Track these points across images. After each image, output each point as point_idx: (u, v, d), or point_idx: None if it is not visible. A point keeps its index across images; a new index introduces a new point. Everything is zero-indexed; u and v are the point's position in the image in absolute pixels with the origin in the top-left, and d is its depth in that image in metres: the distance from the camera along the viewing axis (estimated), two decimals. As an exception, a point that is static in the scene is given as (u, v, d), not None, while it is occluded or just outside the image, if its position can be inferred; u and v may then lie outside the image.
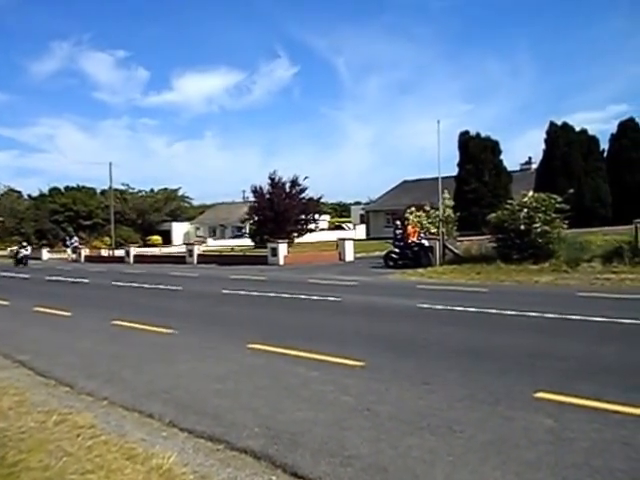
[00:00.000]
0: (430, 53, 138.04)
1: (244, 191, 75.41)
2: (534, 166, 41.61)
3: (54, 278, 24.51)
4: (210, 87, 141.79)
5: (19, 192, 76.24)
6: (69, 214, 70.77)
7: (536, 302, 12.20)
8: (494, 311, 10.90)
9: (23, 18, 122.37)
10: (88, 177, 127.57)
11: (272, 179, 42.19)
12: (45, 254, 48.57)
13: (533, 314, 10.36)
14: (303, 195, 42.60)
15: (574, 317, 9.87)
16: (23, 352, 8.45)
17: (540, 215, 19.40)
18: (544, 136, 35.94)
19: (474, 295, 13.92)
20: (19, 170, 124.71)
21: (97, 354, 8.38)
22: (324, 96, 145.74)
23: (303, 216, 42.35)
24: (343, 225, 69.12)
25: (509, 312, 10.70)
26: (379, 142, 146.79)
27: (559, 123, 35.86)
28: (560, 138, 34.70)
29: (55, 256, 48.60)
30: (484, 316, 10.63)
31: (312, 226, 43.66)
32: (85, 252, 43.93)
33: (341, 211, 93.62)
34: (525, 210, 19.70)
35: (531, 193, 20.93)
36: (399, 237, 23.73)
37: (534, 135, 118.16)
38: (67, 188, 76.75)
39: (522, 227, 19.37)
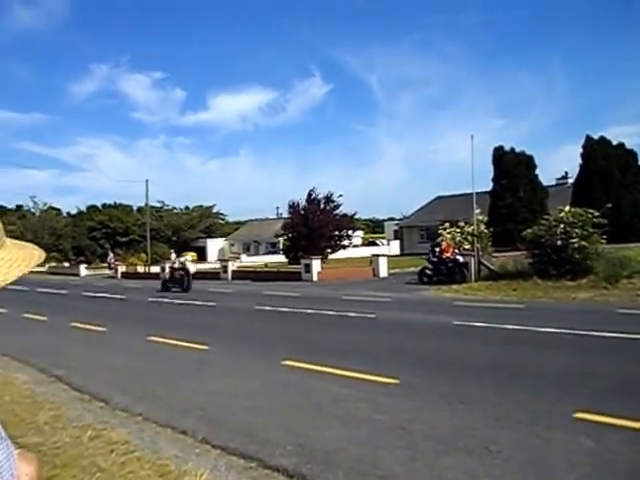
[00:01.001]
0: (463, 69, 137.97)
1: (278, 207, 75.67)
2: (570, 181, 40.90)
3: (91, 294, 24.82)
4: (244, 106, 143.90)
5: (58, 210, 77.96)
6: (106, 231, 71.84)
7: (575, 319, 11.92)
8: (531, 328, 10.66)
9: (64, 42, 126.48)
10: (125, 195, 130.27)
11: (310, 195, 42.35)
12: (83, 270, 49.23)
13: (571, 331, 10.11)
14: (337, 211, 42.61)
15: (615, 335, 9.58)
16: (59, 367, 8.56)
17: (577, 230, 19.01)
18: (580, 150, 35.34)
19: (510, 312, 13.67)
20: (59, 188, 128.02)
21: (132, 370, 8.46)
22: (357, 113, 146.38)
23: (337, 232, 42.30)
24: (377, 241, 68.78)
25: (546, 329, 10.45)
26: (413, 158, 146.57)
27: (595, 137, 35.22)
28: (597, 152, 34.04)
29: (92, 272, 49.34)
30: (521, 333, 10.41)
31: (346, 242, 43.54)
32: (121, 268, 44.50)
33: (374, 227, 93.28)
34: (562, 225, 19.32)
35: (568, 208, 20.56)
36: (436, 253, 23.50)
37: (570, 150, 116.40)
38: (104, 205, 78.07)
39: (559, 242, 19.00)
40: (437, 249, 23.64)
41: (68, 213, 79.28)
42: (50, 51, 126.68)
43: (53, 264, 56.41)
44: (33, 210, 74.27)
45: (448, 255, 22.79)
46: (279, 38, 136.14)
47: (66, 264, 58.64)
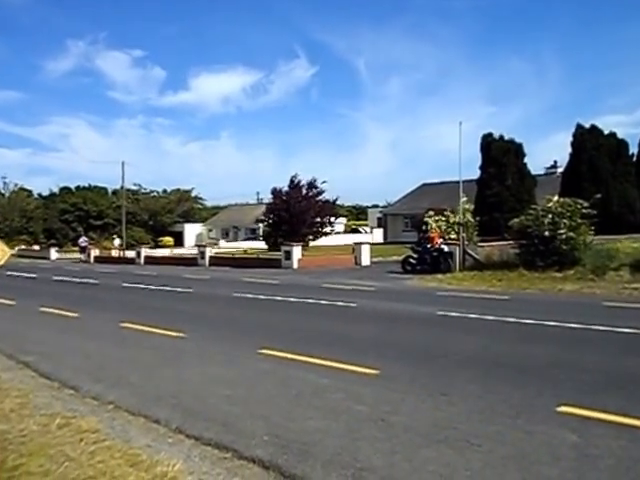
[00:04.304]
0: (452, 54, 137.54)
1: (258, 193, 75.52)
2: (560, 170, 40.93)
3: (62, 278, 24.44)
4: (227, 87, 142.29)
5: (29, 191, 76.38)
6: (79, 214, 70.56)
7: (560, 311, 11.91)
8: (515, 320, 10.62)
9: (39, 17, 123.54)
10: (100, 177, 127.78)
11: (292, 181, 42.14)
12: (53, 254, 48.26)
13: (556, 324, 10.06)
14: (320, 197, 42.39)
15: (600, 327, 9.56)
16: (28, 353, 8.34)
17: (565, 221, 19.00)
18: (570, 139, 35.24)
19: (495, 303, 13.64)
20: (31, 169, 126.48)
21: (104, 357, 8.29)
22: (343, 97, 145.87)
23: (319, 219, 42.12)
24: (360, 228, 68.76)
25: (531, 321, 10.41)
26: (399, 144, 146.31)
27: (587, 126, 35.11)
28: (587, 141, 33.95)
29: (64, 256, 48.46)
30: (505, 325, 10.36)
31: (328, 229, 43.40)
32: (95, 252, 43.65)
33: (358, 214, 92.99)
34: (550, 215, 19.30)
35: (556, 198, 20.53)
36: (422, 242, 23.44)
37: (560, 138, 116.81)
38: (78, 188, 76.62)
39: (546, 233, 18.98)
40: (424, 235, 23.63)
41: (40, 194, 77.97)
42: (24, 25, 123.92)
43: (22, 247, 55.38)
44: (3, 191, 73.15)
45: (434, 244, 22.71)
46: (263, 18, 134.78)
47: (36, 247, 57.71)
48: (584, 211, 19.16)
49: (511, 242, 20.82)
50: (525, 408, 5.31)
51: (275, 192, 42.30)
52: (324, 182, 42.90)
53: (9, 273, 26.05)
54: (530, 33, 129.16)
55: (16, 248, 51.70)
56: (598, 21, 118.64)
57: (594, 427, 4.76)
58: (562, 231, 18.83)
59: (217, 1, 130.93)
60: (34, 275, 26.50)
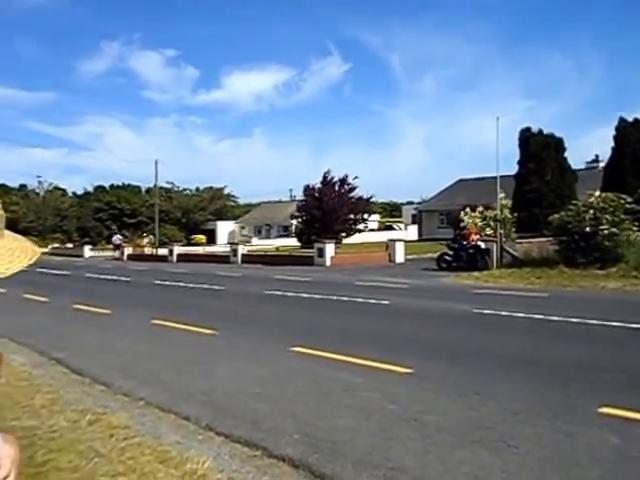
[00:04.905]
0: (488, 49, 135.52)
1: (291, 190, 75.25)
2: (601, 164, 39.87)
3: (95, 276, 24.71)
4: (260, 85, 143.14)
5: (63, 190, 77.27)
6: (113, 212, 71.03)
7: (602, 309, 11.56)
8: (555, 318, 10.32)
9: (74, 18, 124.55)
10: (134, 175, 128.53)
11: (325, 177, 41.98)
12: (87, 252, 48.65)
13: (598, 322, 9.75)
14: (353, 194, 42.14)
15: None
16: (60, 349, 8.39)
17: (608, 216, 18.48)
18: (613, 133, 34.28)
19: (534, 301, 13.32)
20: (66, 168, 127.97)
21: (136, 353, 8.32)
22: (377, 94, 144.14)
23: (352, 216, 41.85)
24: (394, 225, 67.95)
25: (571, 320, 10.10)
26: (434, 140, 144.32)
27: (630, 119, 34.15)
28: (631, 135, 32.91)
29: (97, 254, 49.02)
30: (544, 323, 10.08)
31: (361, 226, 43.09)
32: (128, 250, 43.76)
33: (392, 211, 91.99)
34: (591, 211, 18.81)
35: (598, 193, 20.02)
36: (458, 238, 23.08)
37: (601, 132, 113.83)
38: (112, 186, 77.07)
39: (588, 229, 18.48)
40: (461, 232, 23.26)
41: (74, 193, 79.05)
42: (60, 28, 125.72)
43: (56, 245, 56.09)
44: (37, 190, 74.06)
45: (470, 241, 22.32)
46: (296, 15, 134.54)
47: (69, 245, 58.45)
48: (628, 206, 18.65)
49: (550, 238, 20.38)
50: (564, 409, 5.14)
51: (308, 189, 42.18)
52: (355, 178, 42.63)
53: (42, 270, 26.53)
54: (568, 26, 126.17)
55: (49, 246, 52.41)
56: (638, 11, 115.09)
57: (637, 428, 4.60)
58: (604, 227, 18.32)
59: (250, 0, 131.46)
60: (67, 272, 26.91)
